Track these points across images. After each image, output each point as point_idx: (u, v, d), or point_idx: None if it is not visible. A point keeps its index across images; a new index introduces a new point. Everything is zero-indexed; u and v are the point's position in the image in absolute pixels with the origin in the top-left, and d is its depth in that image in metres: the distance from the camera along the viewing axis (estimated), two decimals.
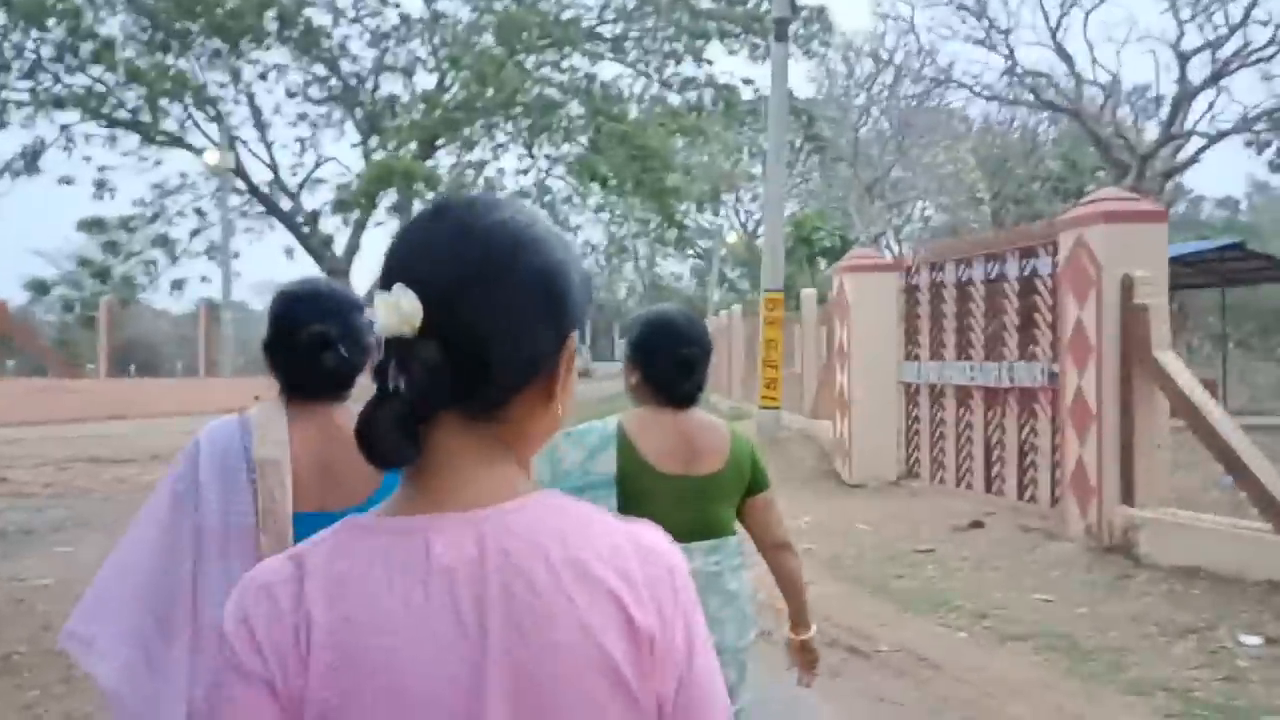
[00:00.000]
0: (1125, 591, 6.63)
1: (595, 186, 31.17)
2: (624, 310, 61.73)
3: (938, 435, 11.10)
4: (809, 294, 14.89)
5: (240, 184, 31.93)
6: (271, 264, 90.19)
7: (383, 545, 0.91)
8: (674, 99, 32.20)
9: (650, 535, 0.96)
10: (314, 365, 2.05)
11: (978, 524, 8.88)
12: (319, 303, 2.11)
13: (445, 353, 0.89)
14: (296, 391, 2.10)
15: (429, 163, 29.73)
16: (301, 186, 34.10)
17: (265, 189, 32.94)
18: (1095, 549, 7.60)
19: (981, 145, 32.32)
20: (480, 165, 32.55)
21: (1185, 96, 19.79)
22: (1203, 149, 21.12)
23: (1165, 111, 20.12)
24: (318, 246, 32.11)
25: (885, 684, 5.10)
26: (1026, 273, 9.46)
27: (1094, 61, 22.33)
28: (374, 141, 32.44)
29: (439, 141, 30.78)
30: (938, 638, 5.88)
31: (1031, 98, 21.87)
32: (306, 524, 1.89)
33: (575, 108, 30.64)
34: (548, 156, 32.11)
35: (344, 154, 52.09)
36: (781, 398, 13.43)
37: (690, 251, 54.26)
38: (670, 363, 2.58)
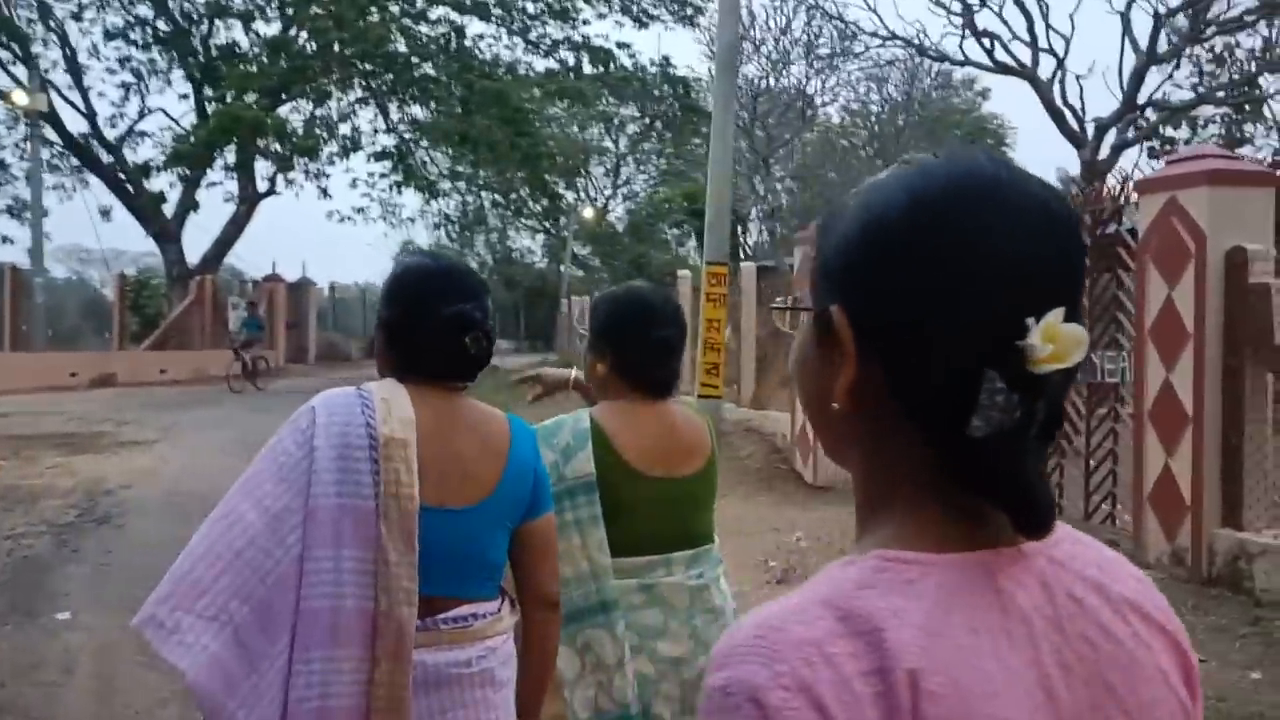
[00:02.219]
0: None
1: (451, 152, 28.92)
2: None
3: None
4: (749, 268, 13.37)
5: (51, 134, 28.21)
6: (80, 228, 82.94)
7: (946, 586, 0.71)
8: (541, 64, 30.18)
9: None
10: (453, 349, 1.92)
11: None
12: (458, 281, 1.97)
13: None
14: (418, 375, 1.94)
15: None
16: (123, 140, 30.51)
17: (80, 140, 29.28)
18: (1188, 580, 6.30)
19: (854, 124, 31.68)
20: (332, 122, 29.74)
21: (1147, 65, 19.16)
22: (1160, 122, 20.57)
23: (1127, 80, 19.45)
24: (144, 206, 28.73)
25: None
26: None
27: (1048, 27, 20.76)
28: (209, 93, 29.23)
29: (285, 95, 27.89)
30: None
31: (986, 59, 20.89)
32: (425, 521, 1.82)
33: (435, 67, 28.17)
34: (408, 119, 29.55)
35: (170, 106, 47.68)
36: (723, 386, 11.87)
37: (544, 226, 52.29)
38: (646, 347, 2.34)
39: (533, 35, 29.16)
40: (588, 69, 27.33)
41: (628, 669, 2.19)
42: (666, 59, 29.24)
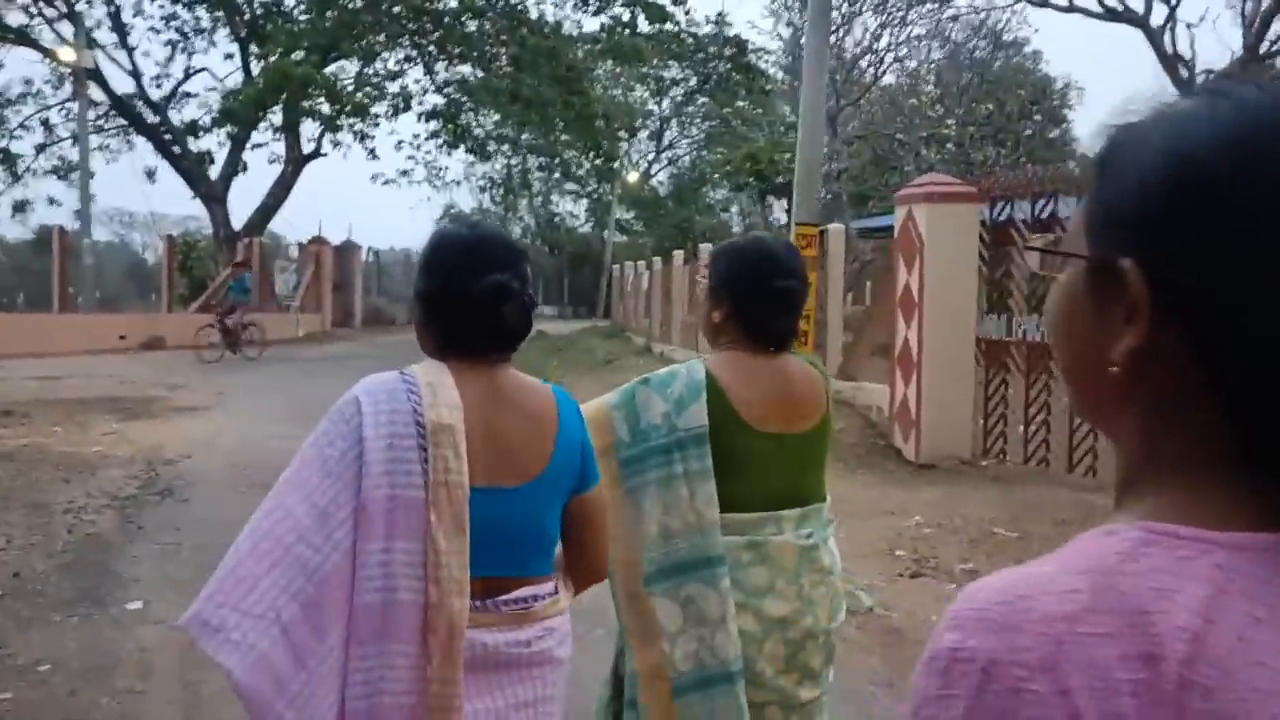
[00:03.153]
0: None
1: (498, 113, 28.15)
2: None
3: (1039, 405, 8.99)
4: (837, 229, 12.58)
5: (97, 93, 27.76)
6: (122, 191, 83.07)
7: (1226, 568, 0.62)
8: (590, 23, 29.30)
9: None
10: (491, 320, 1.86)
11: None
12: (494, 250, 1.90)
13: None
14: (459, 348, 1.90)
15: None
16: (169, 100, 30.03)
17: (126, 100, 28.81)
18: None
19: (916, 88, 30.59)
20: (379, 80, 29.08)
21: (1274, 10, 18.01)
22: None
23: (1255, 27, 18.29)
24: (190, 167, 28.29)
25: None
26: None
27: None
28: (254, 51, 28.62)
29: (334, 54, 27.22)
30: None
31: (1096, 5, 19.89)
32: (478, 501, 1.79)
33: (486, 24, 27.36)
34: (456, 78, 28.79)
35: (215, 66, 46.71)
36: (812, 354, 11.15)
37: (587, 191, 51.58)
38: (766, 297, 2.28)
39: None
40: (642, 26, 26.36)
41: (730, 626, 2.16)
42: (722, 15, 28.30)
